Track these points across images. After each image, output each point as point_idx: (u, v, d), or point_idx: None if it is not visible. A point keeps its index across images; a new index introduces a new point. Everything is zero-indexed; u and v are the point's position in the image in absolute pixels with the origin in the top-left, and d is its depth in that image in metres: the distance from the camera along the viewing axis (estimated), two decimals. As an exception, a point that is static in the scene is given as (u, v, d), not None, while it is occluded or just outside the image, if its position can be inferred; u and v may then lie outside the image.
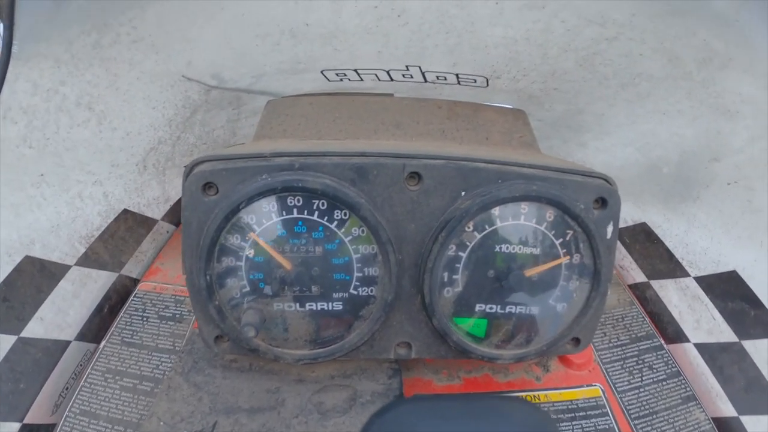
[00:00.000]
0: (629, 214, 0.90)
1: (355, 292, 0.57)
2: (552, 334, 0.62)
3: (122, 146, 0.73)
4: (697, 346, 0.80)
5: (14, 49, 0.53)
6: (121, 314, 0.78)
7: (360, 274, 0.57)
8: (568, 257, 0.58)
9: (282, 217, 0.54)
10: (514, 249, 0.57)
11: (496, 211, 0.56)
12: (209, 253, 0.54)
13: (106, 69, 0.64)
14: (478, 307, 0.60)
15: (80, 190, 0.73)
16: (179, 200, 0.53)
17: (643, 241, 0.89)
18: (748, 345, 0.74)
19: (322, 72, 0.70)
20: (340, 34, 0.62)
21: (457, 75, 0.70)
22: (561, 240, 0.58)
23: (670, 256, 0.84)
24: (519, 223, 0.57)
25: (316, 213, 0.54)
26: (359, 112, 0.72)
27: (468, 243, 0.57)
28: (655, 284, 0.88)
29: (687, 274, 0.82)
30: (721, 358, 0.77)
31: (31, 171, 0.66)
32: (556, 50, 0.65)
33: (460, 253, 0.57)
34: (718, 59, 0.62)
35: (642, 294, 0.90)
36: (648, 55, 0.64)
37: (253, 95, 0.77)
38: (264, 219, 0.54)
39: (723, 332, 0.77)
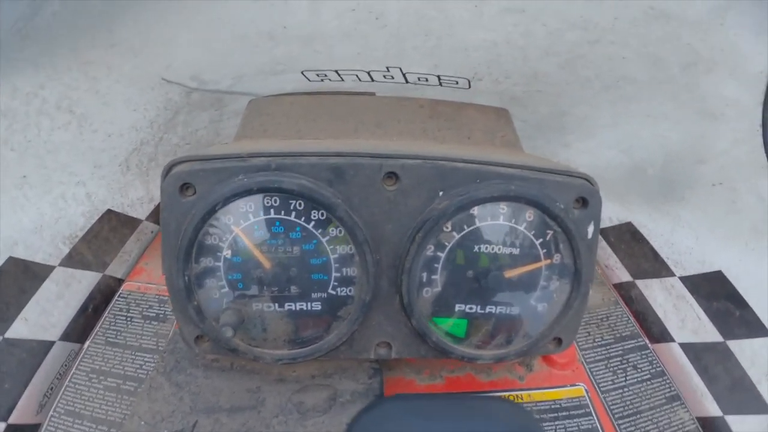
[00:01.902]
0: (615, 214, 0.90)
1: (334, 293, 0.57)
2: (533, 335, 0.61)
3: (104, 147, 0.73)
4: (682, 345, 0.80)
5: None
6: (106, 314, 0.78)
7: (338, 275, 0.57)
8: (549, 260, 0.58)
9: (259, 218, 0.54)
10: (493, 249, 0.57)
11: (474, 211, 0.56)
12: (187, 254, 0.54)
13: (84, 73, 0.64)
14: (457, 308, 0.59)
15: (63, 191, 0.73)
16: (163, 200, 0.54)
17: (629, 241, 0.89)
18: (733, 345, 0.74)
19: (302, 73, 0.70)
20: (318, 36, 0.62)
21: (438, 77, 0.70)
22: (541, 240, 0.58)
23: (656, 255, 0.84)
24: (498, 223, 0.57)
25: (293, 213, 0.54)
26: (340, 112, 0.72)
27: (446, 243, 0.57)
28: (641, 284, 0.88)
29: (672, 274, 0.82)
30: (706, 358, 0.77)
31: (12, 173, 0.66)
32: (538, 53, 0.65)
33: (439, 254, 0.57)
34: (702, 63, 0.62)
35: (627, 293, 0.90)
36: (631, 59, 0.64)
37: (234, 96, 0.77)
38: (241, 219, 0.54)
39: (708, 332, 0.77)
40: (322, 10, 0.58)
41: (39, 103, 0.63)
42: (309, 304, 0.57)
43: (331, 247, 0.56)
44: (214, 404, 0.60)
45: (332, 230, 0.55)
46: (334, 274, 0.57)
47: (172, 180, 0.53)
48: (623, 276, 0.91)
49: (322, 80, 0.71)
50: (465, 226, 0.56)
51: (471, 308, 0.60)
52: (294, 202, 0.54)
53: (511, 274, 0.58)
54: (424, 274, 0.58)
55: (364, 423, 0.56)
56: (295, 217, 0.54)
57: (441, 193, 0.55)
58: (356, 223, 0.53)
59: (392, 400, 0.62)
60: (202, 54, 0.66)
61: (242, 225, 0.54)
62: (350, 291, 0.57)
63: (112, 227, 0.81)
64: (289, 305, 0.57)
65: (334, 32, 0.61)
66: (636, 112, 0.73)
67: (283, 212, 0.54)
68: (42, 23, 0.55)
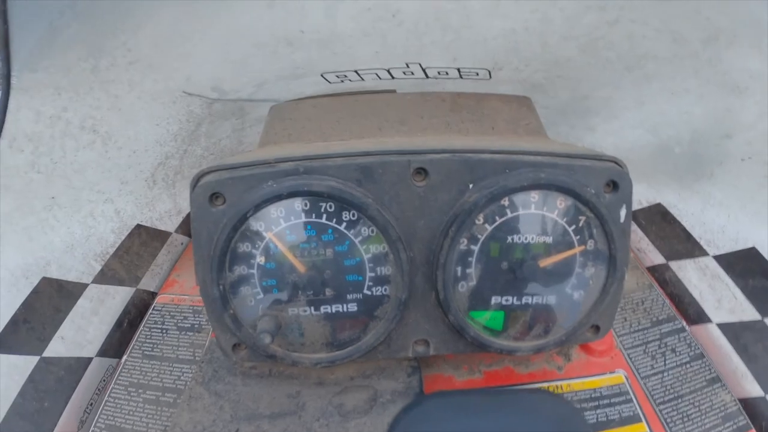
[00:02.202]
0: (644, 196, 0.89)
1: (369, 293, 0.57)
2: (570, 323, 0.61)
3: (130, 164, 0.74)
4: (720, 326, 0.79)
5: (13, 80, 0.53)
6: (141, 328, 0.79)
7: (372, 274, 0.56)
8: (583, 246, 0.57)
9: (290, 222, 0.54)
10: (526, 239, 0.57)
11: (505, 201, 0.55)
12: (220, 263, 0.54)
13: (106, 91, 0.65)
14: (493, 300, 0.59)
15: (92, 209, 0.74)
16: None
17: (660, 222, 0.88)
18: (773, 322, 0.73)
19: (322, 75, 0.69)
20: (336, 38, 0.62)
21: (458, 69, 0.70)
22: (574, 227, 0.57)
23: (688, 235, 0.83)
24: (530, 212, 0.56)
25: (324, 216, 0.54)
26: (362, 111, 0.72)
27: (479, 236, 0.56)
28: (674, 265, 0.86)
29: (706, 254, 0.81)
30: (745, 337, 0.76)
31: (41, 195, 0.66)
32: (557, 38, 0.64)
33: (472, 247, 0.57)
34: (723, 36, 0.60)
35: (661, 276, 0.89)
36: (651, 37, 0.63)
37: (256, 104, 0.77)
38: (273, 225, 0.54)
39: (745, 310, 0.76)
40: (338, 12, 0.58)
41: (63, 125, 0.64)
42: (345, 305, 0.57)
43: (364, 247, 0.55)
44: (254, 411, 0.60)
45: (364, 230, 0.55)
46: (368, 274, 0.56)
47: (202, 190, 0.53)
48: (656, 258, 0.90)
49: (342, 81, 0.71)
50: (497, 218, 0.56)
51: (507, 300, 0.59)
52: (324, 204, 0.53)
53: (545, 263, 0.57)
54: (459, 269, 0.57)
55: (405, 422, 0.56)
56: (327, 220, 0.54)
57: (471, 186, 0.55)
58: (388, 222, 0.53)
59: (432, 398, 0.62)
60: (221, 64, 0.67)
61: (274, 231, 0.54)
62: (386, 290, 0.57)
63: (142, 241, 0.82)
64: (325, 308, 0.57)
65: (352, 33, 0.60)
66: (659, 90, 0.72)
67: (314, 215, 0.54)
68: (60, 46, 0.56)
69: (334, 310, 0.57)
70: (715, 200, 0.78)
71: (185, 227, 0.92)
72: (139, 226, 0.81)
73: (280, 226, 0.54)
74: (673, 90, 0.71)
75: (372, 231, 0.55)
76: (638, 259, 0.94)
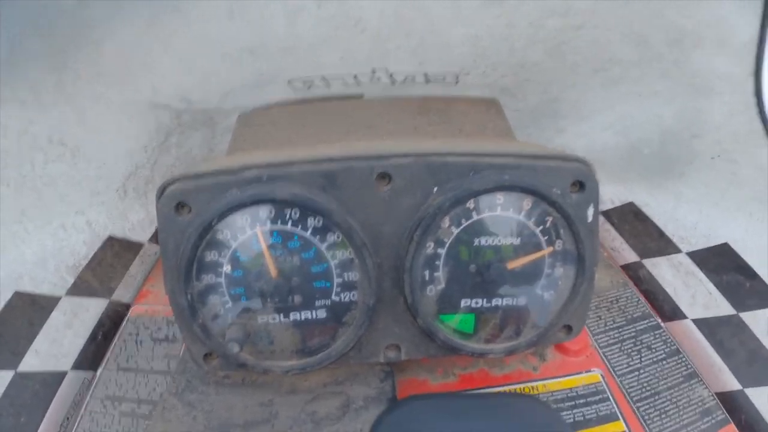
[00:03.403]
0: (616, 195, 0.90)
1: (337, 299, 0.57)
2: (542, 324, 0.61)
3: (100, 175, 0.74)
4: (695, 321, 0.79)
5: None
6: (116, 340, 0.79)
7: (340, 280, 0.56)
8: (551, 247, 0.58)
9: (255, 230, 0.54)
10: (494, 241, 0.57)
11: (470, 204, 0.55)
12: (187, 272, 0.54)
13: (72, 105, 0.65)
14: (463, 303, 0.59)
15: (63, 222, 0.73)
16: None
17: (632, 221, 0.88)
18: (747, 316, 0.73)
19: (288, 82, 0.70)
20: (299, 46, 0.62)
21: (425, 74, 0.70)
22: (541, 228, 0.57)
23: (661, 233, 0.84)
24: (496, 215, 0.56)
25: (290, 222, 0.54)
26: (330, 117, 0.72)
27: (445, 239, 0.56)
28: (648, 263, 0.87)
29: (679, 250, 0.82)
30: (721, 332, 0.76)
31: (11, 208, 0.66)
32: (523, 43, 0.64)
33: (439, 250, 0.57)
34: (688, 39, 0.61)
35: (635, 274, 0.89)
36: (616, 41, 0.64)
37: (225, 113, 0.77)
38: (238, 233, 0.54)
39: (720, 306, 0.76)
40: (298, 21, 0.58)
41: (30, 140, 0.64)
42: (313, 312, 0.57)
43: (331, 253, 0.55)
44: (227, 421, 0.60)
45: (330, 236, 0.55)
46: (336, 281, 0.56)
47: (167, 200, 0.53)
48: (630, 257, 0.90)
49: (309, 88, 0.71)
50: (463, 220, 0.56)
51: (477, 302, 0.59)
52: (289, 211, 0.53)
53: (513, 264, 0.57)
54: (426, 273, 0.57)
55: (384, 426, 0.56)
56: (292, 226, 0.54)
57: (435, 189, 0.55)
58: (353, 228, 0.53)
59: (408, 402, 0.61)
60: (187, 75, 0.67)
61: (240, 239, 0.54)
62: (353, 296, 0.57)
63: (115, 253, 0.81)
64: (294, 315, 0.57)
65: (314, 41, 0.61)
66: (627, 92, 0.73)
67: (279, 222, 0.54)
68: (23, 62, 0.56)
69: (302, 317, 0.57)
70: (687, 198, 0.79)
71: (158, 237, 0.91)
72: (111, 238, 0.80)
73: (246, 234, 0.54)
74: (642, 92, 0.72)
75: (337, 237, 0.55)
76: (612, 258, 0.94)
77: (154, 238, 0.89)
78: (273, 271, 0.55)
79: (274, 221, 0.54)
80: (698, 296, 0.79)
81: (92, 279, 0.78)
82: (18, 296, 0.68)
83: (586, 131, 0.81)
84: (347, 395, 0.62)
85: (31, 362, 0.69)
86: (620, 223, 0.91)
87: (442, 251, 0.57)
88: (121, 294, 0.84)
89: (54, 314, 0.73)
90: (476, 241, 0.57)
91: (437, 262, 0.57)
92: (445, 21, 0.60)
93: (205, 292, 0.55)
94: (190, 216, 0.53)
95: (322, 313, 0.57)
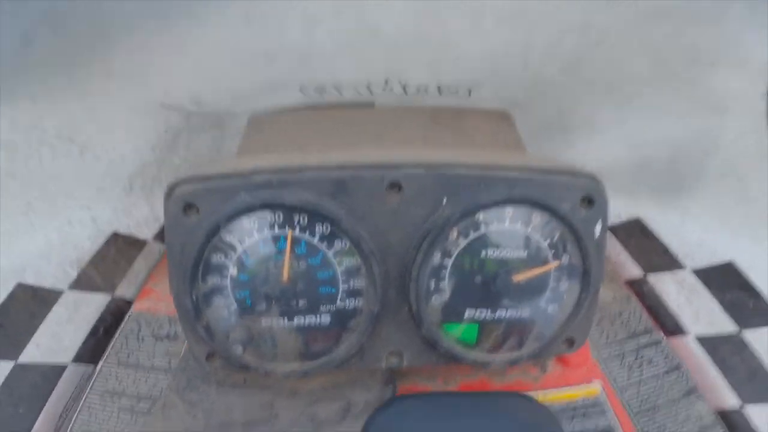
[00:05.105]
0: (622, 209, 0.90)
1: (342, 305, 0.57)
2: (545, 336, 0.61)
3: (107, 172, 0.74)
4: (697, 338, 0.79)
5: None
6: (117, 336, 0.78)
7: (345, 287, 0.56)
8: (557, 261, 0.58)
9: (263, 234, 0.54)
10: (500, 253, 0.57)
11: (479, 216, 0.55)
12: (193, 274, 0.54)
13: (82, 102, 0.64)
14: (467, 313, 0.59)
15: (68, 216, 0.73)
16: (168, 221, 0.54)
17: (638, 236, 0.88)
18: (749, 335, 0.73)
19: (300, 88, 0.69)
20: (314, 53, 0.61)
21: (438, 86, 0.70)
22: (548, 241, 0.57)
23: (666, 249, 0.83)
24: (504, 227, 0.56)
25: (298, 228, 0.54)
26: (340, 124, 0.72)
27: (453, 250, 0.56)
28: (652, 278, 0.87)
29: (683, 267, 0.81)
30: (722, 349, 0.76)
31: (17, 201, 0.66)
32: (538, 59, 0.64)
33: (446, 261, 0.57)
34: (705, 58, 0.61)
35: (639, 289, 0.89)
36: (633, 58, 0.63)
37: (235, 115, 0.77)
38: (246, 237, 0.54)
39: (722, 323, 0.76)
40: (316, 28, 0.57)
41: (39, 134, 0.64)
42: (318, 317, 0.57)
43: (338, 259, 0.55)
44: (227, 420, 0.60)
45: (337, 243, 0.55)
46: (341, 287, 0.56)
47: (175, 201, 0.53)
48: (634, 271, 0.90)
49: (321, 95, 0.71)
50: (471, 232, 0.56)
51: (481, 313, 0.59)
52: (298, 216, 0.53)
53: (519, 277, 0.57)
54: (432, 282, 0.57)
55: (378, 423, 0.56)
56: (300, 232, 0.54)
57: (445, 200, 0.55)
58: (361, 235, 0.53)
59: (407, 399, 0.62)
60: (199, 77, 0.66)
61: (247, 242, 0.54)
62: (358, 303, 0.57)
63: (118, 249, 0.81)
64: (298, 319, 0.57)
65: (330, 48, 0.60)
66: (640, 109, 0.72)
67: (287, 227, 0.54)
68: (36, 57, 0.56)
69: (306, 322, 0.57)
70: (694, 215, 0.79)
71: (162, 235, 0.91)
72: (115, 234, 0.80)
73: (253, 238, 0.54)
74: (654, 109, 0.72)
75: (345, 244, 0.55)
76: (616, 272, 0.94)
77: (158, 236, 0.89)
78: (285, 275, 0.55)
79: (282, 226, 0.54)
80: (701, 313, 0.79)
81: (95, 274, 0.78)
82: (21, 288, 0.68)
83: (597, 146, 0.81)
84: (348, 399, 0.62)
85: (32, 354, 0.69)
86: (626, 237, 0.91)
87: (449, 262, 0.57)
88: (124, 290, 0.83)
89: (56, 308, 0.73)
90: (483, 253, 0.57)
91: (443, 272, 0.57)
92: (463, 35, 0.59)
93: (210, 294, 0.56)
94: (197, 217, 0.53)
95: (326, 319, 0.57)
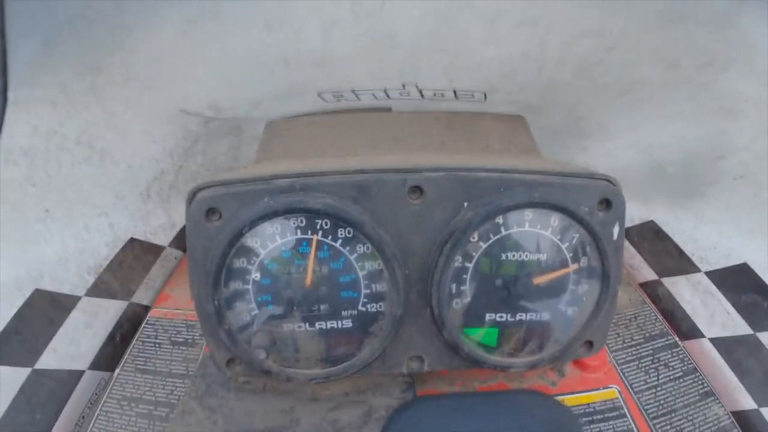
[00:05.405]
0: (636, 213, 0.90)
1: (364, 309, 0.57)
2: (564, 339, 0.61)
3: (125, 178, 0.74)
4: (713, 340, 0.79)
5: (10, 95, 0.53)
6: (134, 342, 0.79)
7: (368, 291, 0.57)
8: (576, 264, 0.58)
9: (286, 239, 0.54)
10: (520, 256, 0.57)
11: (500, 219, 0.56)
12: (216, 279, 0.54)
13: (102, 108, 0.65)
14: (488, 317, 0.59)
15: (86, 223, 0.73)
16: (185, 226, 0.54)
17: (652, 239, 0.89)
18: (764, 336, 0.73)
19: (318, 94, 0.70)
20: (332, 59, 0.62)
21: (454, 91, 0.70)
22: (567, 244, 0.57)
23: (680, 252, 0.84)
24: (524, 230, 0.56)
25: (320, 233, 0.54)
26: (358, 129, 0.72)
27: (474, 253, 0.56)
28: (667, 281, 0.87)
29: (698, 270, 0.82)
30: (738, 352, 0.76)
31: (35, 207, 0.66)
32: (553, 63, 0.65)
33: (467, 264, 0.57)
34: (718, 62, 0.61)
35: (654, 292, 0.89)
36: (646, 62, 0.64)
37: (252, 122, 0.77)
38: (268, 241, 0.54)
39: (738, 325, 0.76)
40: (334, 34, 0.58)
41: (59, 140, 0.64)
42: (340, 322, 0.57)
43: (360, 264, 0.55)
44: (247, 426, 0.60)
45: (360, 247, 0.55)
46: (363, 291, 0.56)
47: (198, 206, 0.53)
48: (649, 275, 0.90)
49: (338, 100, 0.71)
50: (491, 235, 0.56)
51: (501, 317, 0.59)
52: (320, 221, 0.54)
53: (539, 280, 0.58)
54: (453, 286, 0.57)
55: (399, 421, 0.57)
56: (322, 236, 0.54)
57: (466, 204, 0.55)
58: (383, 239, 0.53)
59: (427, 399, 0.62)
60: (218, 84, 0.67)
61: (269, 247, 0.54)
62: (380, 307, 0.57)
63: (135, 255, 0.81)
64: (320, 324, 0.57)
65: (348, 54, 0.61)
66: (653, 113, 0.73)
67: (309, 232, 0.54)
68: (57, 63, 0.56)
69: (329, 327, 0.57)
70: (708, 218, 0.79)
71: (179, 241, 0.91)
72: (132, 240, 0.80)
73: (276, 243, 0.54)
74: (667, 113, 0.72)
75: (367, 248, 0.55)
76: (631, 276, 0.94)
77: (175, 243, 0.90)
78: (309, 280, 0.55)
79: (304, 230, 0.54)
80: (716, 315, 0.79)
81: (112, 280, 0.78)
82: (38, 294, 0.68)
83: (610, 150, 0.81)
84: (369, 405, 0.62)
85: (49, 361, 0.70)
86: (640, 241, 0.91)
87: (470, 265, 0.57)
88: (141, 296, 0.84)
89: (73, 314, 0.73)
90: (504, 256, 0.57)
91: (465, 276, 0.57)
92: (479, 40, 0.60)
93: (232, 299, 0.56)
94: (220, 222, 0.53)
95: (348, 323, 0.57)
